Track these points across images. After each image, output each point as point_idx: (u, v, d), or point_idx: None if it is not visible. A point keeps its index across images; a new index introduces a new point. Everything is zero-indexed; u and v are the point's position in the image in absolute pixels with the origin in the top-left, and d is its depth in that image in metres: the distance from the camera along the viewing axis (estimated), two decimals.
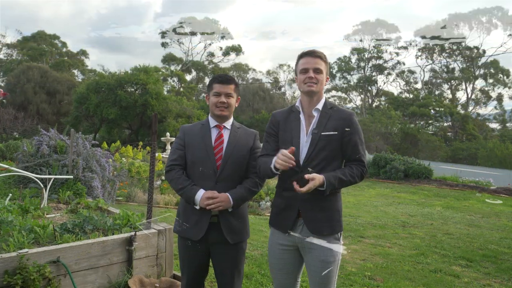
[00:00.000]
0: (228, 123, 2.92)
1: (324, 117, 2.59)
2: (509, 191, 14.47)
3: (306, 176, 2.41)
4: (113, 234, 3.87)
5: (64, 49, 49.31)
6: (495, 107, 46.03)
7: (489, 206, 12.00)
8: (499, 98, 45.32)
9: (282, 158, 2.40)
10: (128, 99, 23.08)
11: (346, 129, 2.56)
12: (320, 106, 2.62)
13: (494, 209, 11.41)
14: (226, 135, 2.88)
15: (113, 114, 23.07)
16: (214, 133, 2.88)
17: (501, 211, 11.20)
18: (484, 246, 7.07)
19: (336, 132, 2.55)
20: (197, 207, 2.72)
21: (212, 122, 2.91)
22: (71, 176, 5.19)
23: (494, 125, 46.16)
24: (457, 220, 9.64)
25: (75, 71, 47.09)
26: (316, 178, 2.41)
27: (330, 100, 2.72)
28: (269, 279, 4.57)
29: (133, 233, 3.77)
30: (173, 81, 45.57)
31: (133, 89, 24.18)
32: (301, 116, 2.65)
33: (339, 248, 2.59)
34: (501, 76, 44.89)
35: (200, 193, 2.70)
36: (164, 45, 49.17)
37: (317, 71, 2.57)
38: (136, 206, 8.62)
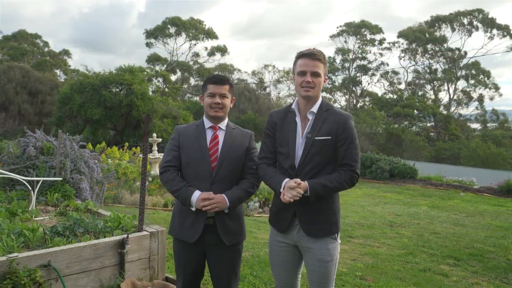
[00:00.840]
0: (223, 124, 2.89)
1: (318, 121, 2.56)
2: (492, 190, 14.74)
3: (288, 184, 2.43)
4: (104, 237, 3.82)
5: (46, 49, 48.57)
6: (476, 108, 46.78)
7: (473, 205, 12.20)
8: (480, 99, 46.07)
9: (290, 193, 2.41)
10: (113, 99, 22.82)
11: (340, 133, 2.53)
12: (315, 109, 2.59)
13: (478, 208, 11.60)
14: (221, 136, 2.85)
15: (98, 114, 22.78)
16: (209, 134, 2.85)
17: (485, 210, 11.40)
18: (470, 245, 7.18)
19: (330, 137, 2.52)
20: (193, 209, 2.69)
21: (207, 123, 2.88)
22: (60, 178, 5.10)
23: (475, 126, 46.98)
24: (443, 219, 9.78)
25: (58, 71, 46.39)
26: (301, 186, 2.42)
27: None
28: (262, 280, 4.57)
29: (125, 235, 3.72)
30: (158, 81, 45.25)
31: (118, 89, 23.91)
32: (297, 118, 2.63)
33: (337, 247, 2.61)
34: (482, 77, 45.64)
35: (196, 195, 2.67)
36: (148, 45, 48.75)
37: (315, 74, 2.54)
38: (124, 208, 8.52)
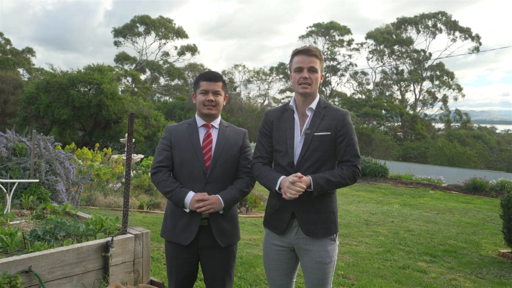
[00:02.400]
0: (216, 122, 2.82)
1: (317, 117, 2.54)
2: (459, 188, 15.22)
3: (292, 179, 2.37)
4: (87, 240, 3.70)
5: (8, 47, 46.87)
6: (441, 108, 48.22)
7: (442, 202, 12.56)
8: (444, 99, 47.49)
9: (293, 189, 2.34)
10: (81, 99, 22.25)
11: (339, 129, 2.52)
12: (313, 105, 2.57)
13: (447, 206, 11.95)
14: (214, 134, 2.77)
15: (66, 114, 22.16)
16: (202, 133, 2.77)
17: (454, 207, 11.76)
18: (443, 241, 7.38)
19: (329, 133, 2.50)
20: (187, 210, 2.62)
21: (200, 121, 2.80)
22: (37, 180, 4.91)
23: (440, 125, 48.41)
24: (415, 217, 10.02)
25: (21, 70, 44.85)
26: (303, 180, 2.37)
27: (323, 99, 2.68)
28: (247, 282, 4.54)
29: (109, 238, 3.61)
30: (127, 81, 44.43)
31: (86, 89, 23.32)
32: (295, 115, 2.59)
33: (335, 248, 2.59)
34: (446, 78, 47.08)
35: (190, 196, 2.60)
36: (117, 43, 47.82)
37: (312, 70, 2.51)
38: (98, 210, 8.31)
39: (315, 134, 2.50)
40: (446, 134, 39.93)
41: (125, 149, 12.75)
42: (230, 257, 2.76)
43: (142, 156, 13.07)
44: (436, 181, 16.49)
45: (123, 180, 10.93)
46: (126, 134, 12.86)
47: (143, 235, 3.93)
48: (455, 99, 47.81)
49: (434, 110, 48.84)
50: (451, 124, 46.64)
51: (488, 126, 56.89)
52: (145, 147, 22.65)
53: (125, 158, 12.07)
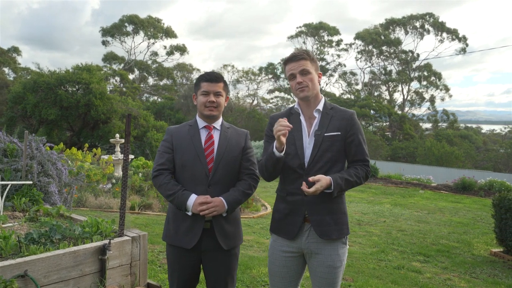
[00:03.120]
0: (218, 123, 2.78)
1: (325, 118, 2.53)
2: (448, 188, 15.37)
3: (311, 178, 2.34)
4: (83, 243, 3.64)
5: None
6: (428, 108, 48.72)
7: (433, 202, 12.66)
8: (432, 100, 47.99)
9: (281, 124, 2.33)
10: (70, 99, 21.97)
11: (349, 129, 2.52)
12: (320, 107, 2.56)
13: (438, 205, 12.05)
14: (216, 136, 2.73)
15: (53, 114, 21.87)
16: (203, 134, 2.73)
17: (444, 206, 11.86)
18: (436, 241, 7.43)
19: (340, 133, 2.50)
20: (189, 213, 2.58)
21: (201, 123, 2.76)
22: (31, 182, 4.82)
23: (427, 125, 48.91)
24: (406, 216, 10.08)
25: (6, 69, 44.17)
26: (323, 179, 2.34)
27: (328, 101, 2.66)
28: (244, 284, 4.51)
29: (107, 241, 3.56)
30: (116, 80, 44.04)
31: (75, 89, 23.04)
32: (301, 118, 2.58)
33: (346, 251, 2.57)
34: (434, 78, 47.59)
35: (192, 198, 2.55)
36: (105, 43, 47.38)
37: (304, 72, 2.49)
38: (89, 212, 8.22)
39: (325, 134, 2.49)
40: (434, 134, 40.33)
41: (115, 149, 12.65)
42: (233, 260, 2.72)
43: (132, 156, 12.95)
44: (425, 181, 16.63)
45: (114, 181, 10.83)
46: (117, 135, 12.65)
47: (140, 238, 3.88)
48: (442, 99, 48.36)
49: (422, 110, 49.38)
50: (439, 124, 47.15)
51: (474, 126, 57.64)
52: (134, 147, 22.46)
53: (115, 158, 11.92)
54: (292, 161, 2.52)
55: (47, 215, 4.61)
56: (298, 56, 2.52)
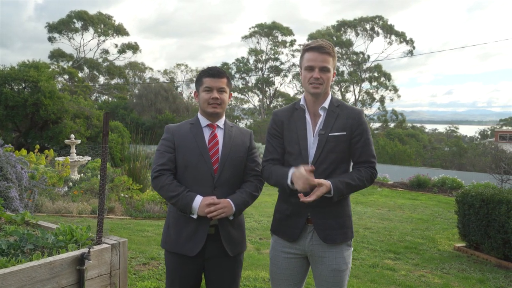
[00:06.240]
0: (221, 122, 2.63)
1: (331, 116, 2.41)
2: (404, 185, 15.88)
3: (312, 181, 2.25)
4: (58, 252, 3.37)
5: None
6: (378, 108, 50.40)
7: (391, 199, 13.01)
8: (382, 100, 49.66)
9: (303, 182, 2.20)
10: (16, 97, 20.75)
11: (355, 129, 2.41)
12: (326, 104, 2.44)
13: (397, 203, 12.39)
14: (220, 135, 2.58)
15: None
16: (206, 133, 2.57)
17: (403, 204, 12.21)
18: (402, 238, 7.60)
19: (345, 133, 2.38)
20: (194, 216, 2.41)
21: (204, 121, 2.61)
22: None
23: (376, 125, 50.60)
24: (369, 214, 10.27)
25: None
26: (323, 185, 2.24)
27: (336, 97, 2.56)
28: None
29: (85, 250, 3.31)
30: (64, 79, 42.18)
31: (21, 87, 21.80)
32: (306, 115, 2.46)
33: (351, 254, 2.51)
34: (384, 79, 49.27)
35: (198, 200, 2.39)
36: (51, 39, 45.25)
37: (324, 70, 2.37)
38: (46, 217, 7.76)
39: (330, 134, 2.38)
40: (386, 133, 41.73)
41: (71, 150, 12.05)
42: (238, 267, 2.59)
43: (89, 158, 12.40)
44: (382, 179, 17.09)
45: (71, 184, 10.31)
46: (72, 135, 12.02)
47: (120, 245, 3.64)
48: (392, 99, 50.12)
49: (373, 110, 50.95)
50: (388, 124, 48.86)
51: (419, 125, 60.41)
52: (88, 148, 21.57)
53: (71, 160, 11.33)
54: (295, 162, 2.41)
55: (10, 223, 4.26)
56: (324, 49, 2.38)
